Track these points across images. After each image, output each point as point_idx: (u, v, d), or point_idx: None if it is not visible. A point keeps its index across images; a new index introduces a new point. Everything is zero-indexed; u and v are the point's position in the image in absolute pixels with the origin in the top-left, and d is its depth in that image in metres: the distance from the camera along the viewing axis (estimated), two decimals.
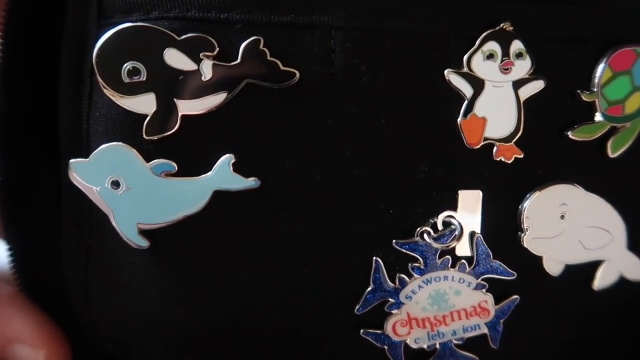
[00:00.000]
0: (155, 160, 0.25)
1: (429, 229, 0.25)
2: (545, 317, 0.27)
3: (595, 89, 0.25)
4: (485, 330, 0.26)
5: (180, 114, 0.25)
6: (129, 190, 0.25)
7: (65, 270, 0.28)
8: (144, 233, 0.26)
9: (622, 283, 0.27)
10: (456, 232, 0.25)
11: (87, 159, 0.25)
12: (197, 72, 0.24)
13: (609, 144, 0.25)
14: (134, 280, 0.26)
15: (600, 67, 0.25)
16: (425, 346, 0.26)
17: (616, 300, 0.27)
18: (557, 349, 0.27)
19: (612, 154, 0.26)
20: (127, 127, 0.25)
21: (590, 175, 0.26)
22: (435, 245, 0.24)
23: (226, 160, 0.25)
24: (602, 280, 0.26)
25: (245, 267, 0.25)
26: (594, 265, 0.26)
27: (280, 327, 0.26)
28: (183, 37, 0.24)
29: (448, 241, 0.25)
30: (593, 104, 0.25)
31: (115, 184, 0.25)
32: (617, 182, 0.26)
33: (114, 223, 0.25)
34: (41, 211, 0.29)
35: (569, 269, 0.26)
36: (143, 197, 0.25)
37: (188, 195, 0.25)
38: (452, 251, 0.25)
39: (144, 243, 0.25)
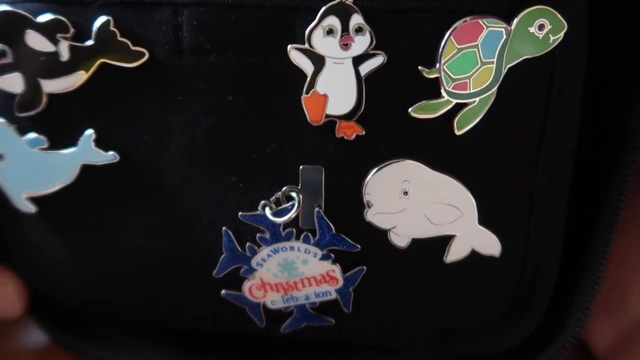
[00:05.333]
0: (29, 135, 0.27)
1: (270, 202, 0.26)
2: (396, 287, 0.27)
3: (437, 65, 0.24)
4: (335, 296, 0.27)
5: (45, 92, 0.27)
6: (11, 162, 0.28)
7: None
8: (32, 199, 0.29)
9: (475, 257, 0.27)
10: (295, 206, 0.26)
11: None
12: (56, 53, 0.26)
13: (455, 121, 0.25)
14: (34, 240, 0.29)
15: (443, 42, 0.24)
16: (281, 308, 0.28)
17: (469, 273, 0.27)
18: (413, 316, 0.28)
19: (458, 131, 0.25)
20: (5, 104, 0.27)
21: (436, 152, 0.25)
22: (273, 218, 0.26)
23: (87, 135, 0.27)
24: (453, 253, 0.26)
25: (118, 233, 0.28)
26: (448, 240, 0.27)
27: (153, 288, 0.29)
28: (39, 19, 0.26)
29: (288, 214, 0.26)
30: (439, 80, 0.24)
31: (0, 157, 0.28)
32: (465, 159, 0.25)
33: (4, 191, 0.29)
34: None
35: (419, 243, 0.26)
36: (23, 168, 0.28)
37: (59, 168, 0.27)
38: (296, 224, 0.26)
39: (31, 208, 0.28)
